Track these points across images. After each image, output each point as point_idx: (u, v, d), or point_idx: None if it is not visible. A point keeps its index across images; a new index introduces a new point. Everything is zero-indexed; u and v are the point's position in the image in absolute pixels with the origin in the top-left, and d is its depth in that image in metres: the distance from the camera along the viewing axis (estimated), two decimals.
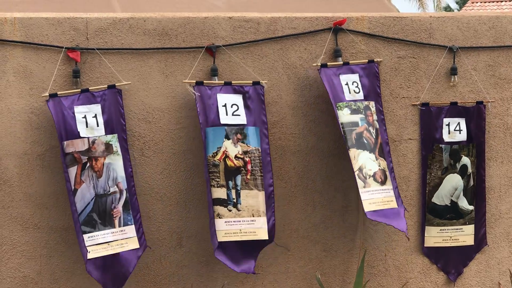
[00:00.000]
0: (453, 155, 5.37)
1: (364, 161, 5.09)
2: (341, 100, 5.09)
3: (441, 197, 5.39)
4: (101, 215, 4.77)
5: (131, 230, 4.85)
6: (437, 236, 5.42)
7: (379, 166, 5.14)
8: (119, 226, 4.82)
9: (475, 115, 5.39)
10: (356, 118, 5.13)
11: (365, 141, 5.13)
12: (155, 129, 4.99)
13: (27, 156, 4.83)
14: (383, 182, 5.14)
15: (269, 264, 5.22)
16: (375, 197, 5.10)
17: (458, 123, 5.36)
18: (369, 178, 5.10)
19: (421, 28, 5.32)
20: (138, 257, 4.87)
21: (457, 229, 5.44)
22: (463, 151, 5.39)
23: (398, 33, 5.30)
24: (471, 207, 5.43)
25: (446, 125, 5.35)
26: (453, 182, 5.39)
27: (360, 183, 5.06)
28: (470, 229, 5.45)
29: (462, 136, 5.38)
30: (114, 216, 4.81)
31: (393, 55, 5.30)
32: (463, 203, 5.41)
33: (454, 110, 5.36)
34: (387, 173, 5.17)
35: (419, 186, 5.40)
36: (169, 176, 5.04)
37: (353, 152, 5.07)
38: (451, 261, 5.48)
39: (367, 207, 5.05)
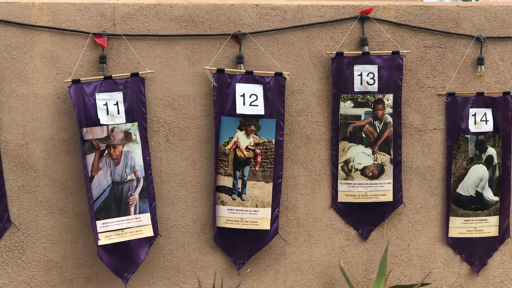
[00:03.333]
0: (479, 145, 5.34)
1: (355, 154, 5.16)
2: (347, 92, 5.11)
3: (466, 188, 5.36)
4: (117, 202, 4.81)
5: (146, 217, 4.89)
6: (462, 226, 5.40)
7: (375, 160, 5.16)
8: (135, 213, 4.85)
9: (501, 106, 5.35)
10: (360, 111, 5.14)
11: (363, 135, 5.15)
12: (181, 115, 5.00)
13: (53, 141, 4.86)
14: (374, 177, 5.17)
15: (292, 252, 5.22)
16: (356, 190, 5.18)
17: (484, 114, 5.33)
18: (354, 171, 5.16)
19: (448, 17, 5.29)
20: (150, 245, 4.92)
21: (482, 220, 5.41)
22: (489, 142, 5.35)
23: (424, 22, 5.27)
24: (496, 198, 5.40)
25: (472, 115, 5.32)
26: (478, 172, 5.36)
27: (342, 174, 5.14)
28: (494, 220, 5.43)
29: (488, 127, 5.35)
30: (130, 203, 4.84)
31: (419, 44, 5.27)
32: (488, 194, 5.38)
33: (480, 100, 5.33)
34: (387, 167, 5.18)
35: (443, 176, 5.37)
36: (193, 163, 5.05)
37: (343, 145, 5.14)
38: (475, 252, 5.46)
39: (342, 198, 5.19)
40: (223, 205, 4.99)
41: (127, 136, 4.83)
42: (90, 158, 4.75)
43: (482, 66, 5.32)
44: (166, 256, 5.07)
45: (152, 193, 4.92)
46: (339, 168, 5.16)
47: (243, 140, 4.98)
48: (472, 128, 5.34)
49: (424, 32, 5.27)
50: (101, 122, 4.76)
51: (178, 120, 5.00)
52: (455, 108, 5.31)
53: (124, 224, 4.83)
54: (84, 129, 4.72)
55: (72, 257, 4.95)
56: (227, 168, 4.97)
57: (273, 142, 5.03)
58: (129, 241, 4.85)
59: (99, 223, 4.76)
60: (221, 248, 5.06)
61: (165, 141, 5.00)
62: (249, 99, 4.97)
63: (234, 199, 5.00)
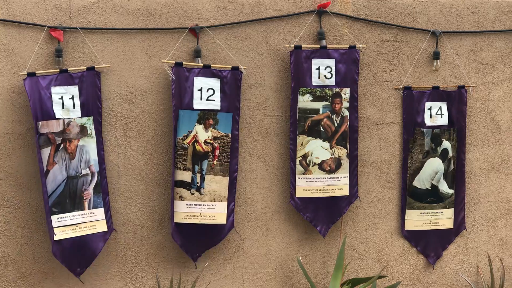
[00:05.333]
0: (434, 139, 5.39)
1: (313, 148, 5.17)
2: (305, 86, 5.12)
3: (422, 181, 5.41)
4: (72, 197, 4.78)
5: (100, 212, 4.87)
6: (417, 219, 5.45)
7: (332, 154, 5.19)
8: (89, 208, 4.83)
9: (456, 100, 5.41)
10: (318, 105, 5.16)
11: (321, 129, 5.17)
12: (138, 109, 4.97)
13: (8, 135, 4.79)
14: (331, 171, 5.19)
15: (250, 246, 5.23)
16: (314, 184, 5.20)
17: (440, 107, 5.39)
18: (312, 165, 5.17)
19: (405, 12, 5.33)
20: (105, 240, 4.90)
21: (437, 212, 5.47)
22: (444, 135, 5.41)
23: (381, 16, 5.30)
24: (451, 191, 5.46)
25: (428, 109, 5.37)
26: (433, 166, 5.42)
27: (299, 169, 5.14)
28: (449, 212, 5.49)
29: (444, 120, 5.40)
30: (84, 198, 4.81)
31: (376, 38, 5.30)
32: (444, 187, 5.44)
33: (436, 94, 5.38)
34: (343, 161, 5.21)
35: (400, 169, 5.42)
36: (151, 157, 5.02)
37: (301, 139, 5.15)
38: (431, 244, 5.51)
39: (300, 193, 5.18)
40: (181, 200, 4.97)
41: (83, 130, 4.79)
42: (46, 152, 4.71)
43: (438, 60, 5.38)
44: (124, 250, 5.04)
45: (106, 187, 4.89)
46: (297, 162, 5.17)
47: (202, 133, 4.97)
48: (428, 121, 5.39)
49: (381, 26, 5.30)
50: (57, 116, 4.71)
51: (136, 114, 4.97)
52: (411, 102, 5.36)
53: (79, 219, 4.80)
54: (40, 123, 4.67)
55: (28, 253, 4.90)
56: (185, 163, 4.96)
57: (230, 136, 5.02)
58: (83, 236, 4.81)
59: (54, 218, 4.72)
60: (179, 244, 5.03)
61: (122, 135, 4.96)
62: (206, 93, 4.96)
63: (192, 194, 4.99)
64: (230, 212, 5.07)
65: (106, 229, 4.88)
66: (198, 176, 4.99)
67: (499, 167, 5.58)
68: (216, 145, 5.00)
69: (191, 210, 5.00)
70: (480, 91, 5.49)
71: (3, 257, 4.87)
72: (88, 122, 4.80)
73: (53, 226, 4.72)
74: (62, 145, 4.73)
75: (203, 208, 5.01)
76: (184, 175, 4.96)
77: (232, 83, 5.00)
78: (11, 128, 4.78)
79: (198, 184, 4.99)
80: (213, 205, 5.02)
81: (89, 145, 4.81)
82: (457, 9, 5.41)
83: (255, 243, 5.24)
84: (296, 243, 5.31)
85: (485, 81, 5.50)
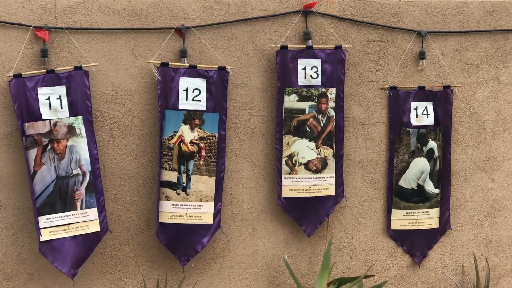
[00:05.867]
0: (420, 139, 5.41)
1: (299, 148, 5.17)
2: (291, 86, 5.12)
3: (407, 181, 5.43)
4: (63, 197, 4.76)
5: (93, 212, 4.84)
6: (403, 219, 5.47)
7: (318, 154, 5.20)
8: (81, 208, 4.81)
9: (442, 100, 5.43)
10: (304, 105, 5.16)
11: (307, 129, 5.18)
12: (124, 110, 4.96)
13: None
14: (318, 171, 5.20)
15: (236, 246, 5.23)
16: (300, 184, 5.21)
17: (426, 107, 5.40)
18: (298, 165, 5.18)
19: (390, 12, 5.34)
20: (99, 240, 4.88)
21: (423, 212, 5.48)
22: (430, 135, 5.43)
23: (367, 16, 5.31)
24: (437, 191, 5.48)
25: (414, 109, 5.39)
26: (419, 165, 5.43)
27: (286, 169, 5.15)
28: (435, 212, 5.51)
29: (429, 120, 5.42)
30: (76, 198, 4.79)
31: (362, 38, 5.31)
32: (429, 187, 5.46)
33: (422, 94, 5.39)
34: (329, 161, 5.22)
35: (386, 169, 5.43)
36: (137, 157, 5.01)
37: (287, 139, 5.16)
38: (417, 243, 5.53)
39: (286, 193, 5.18)
40: (167, 200, 4.96)
41: (71, 130, 4.77)
42: (33, 153, 4.69)
43: (424, 60, 5.39)
44: (110, 251, 5.03)
45: (100, 187, 4.86)
46: (283, 162, 5.17)
47: (188, 134, 4.96)
48: (414, 121, 5.40)
49: (366, 27, 5.32)
50: (43, 117, 4.70)
51: (122, 114, 4.96)
52: (397, 102, 5.37)
53: (70, 219, 4.78)
54: (26, 124, 4.65)
55: (13, 254, 4.88)
56: (171, 163, 4.95)
57: (216, 136, 5.02)
58: (75, 236, 4.79)
59: (42, 219, 4.71)
60: (165, 245, 5.02)
61: (108, 136, 4.95)
62: (192, 93, 4.95)
63: (178, 194, 4.98)
64: (217, 212, 5.06)
65: (99, 229, 4.86)
66: (184, 176, 4.98)
67: (484, 166, 5.60)
68: (202, 145, 4.99)
69: (177, 210, 4.99)
70: (465, 91, 5.51)
71: None
72: (77, 122, 4.78)
73: (41, 227, 4.70)
74: (49, 146, 4.72)
75: (189, 209, 5.00)
76: (170, 175, 4.96)
77: (218, 83, 5.00)
78: None
79: (184, 185, 4.98)
80: (199, 205, 5.02)
81: (79, 144, 4.79)
82: (443, 9, 5.43)
83: (242, 243, 5.24)
84: (283, 243, 5.31)
85: (471, 81, 5.52)
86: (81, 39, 4.85)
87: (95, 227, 4.86)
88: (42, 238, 4.70)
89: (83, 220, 4.82)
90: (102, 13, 4.88)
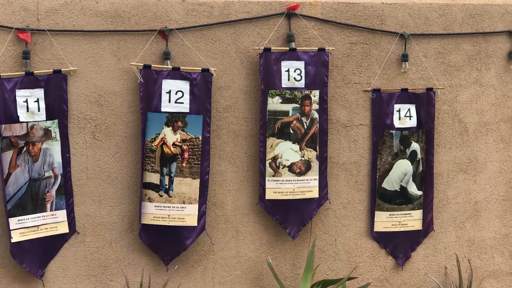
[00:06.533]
0: (403, 141, 5.42)
1: (283, 151, 5.17)
2: (275, 88, 5.12)
3: (391, 183, 5.44)
4: (34, 199, 4.77)
5: (62, 214, 4.87)
6: (387, 221, 5.48)
7: (302, 157, 5.20)
8: (51, 210, 4.83)
9: (425, 102, 5.44)
10: (287, 107, 5.17)
11: (291, 131, 5.18)
12: (107, 112, 4.95)
13: None
14: (301, 173, 5.21)
15: (220, 248, 5.22)
16: (284, 186, 5.21)
17: (409, 109, 5.42)
18: (282, 168, 5.19)
19: (373, 14, 5.36)
20: (65, 241, 4.91)
21: (406, 214, 5.50)
22: (413, 137, 5.44)
23: (350, 19, 5.32)
24: (420, 193, 5.50)
25: (397, 111, 5.40)
26: (402, 167, 5.45)
27: (269, 171, 5.15)
28: (418, 214, 5.52)
29: (412, 122, 5.43)
30: (47, 200, 4.81)
31: (345, 41, 5.32)
32: (412, 189, 5.47)
33: (405, 96, 5.41)
34: (313, 163, 5.22)
35: (369, 171, 5.44)
36: (120, 160, 5.00)
37: (271, 141, 5.16)
38: (400, 245, 5.54)
39: (270, 195, 5.18)
40: (150, 201, 4.96)
41: (47, 133, 4.76)
42: (8, 155, 4.68)
43: (407, 62, 5.41)
44: (93, 253, 5.01)
45: (70, 189, 4.87)
46: (267, 164, 5.17)
47: (170, 136, 4.95)
48: (397, 123, 5.42)
49: (350, 29, 5.32)
50: (21, 120, 4.69)
51: (105, 117, 4.95)
52: (381, 104, 5.39)
53: (40, 221, 4.79)
54: (3, 126, 4.64)
55: None
56: (154, 165, 4.94)
57: (200, 139, 5.01)
58: (42, 238, 4.79)
59: (13, 220, 4.71)
60: (147, 245, 5.02)
61: (91, 138, 4.93)
62: (175, 96, 4.94)
63: (161, 196, 4.97)
64: (202, 215, 5.06)
65: (67, 231, 4.88)
66: (167, 178, 4.97)
67: (466, 168, 5.62)
68: (185, 147, 4.99)
69: (160, 212, 4.98)
70: (448, 93, 5.54)
71: None
72: (53, 125, 4.77)
73: (11, 228, 4.70)
74: (25, 148, 4.71)
75: (172, 210, 4.99)
76: (153, 177, 4.95)
77: (202, 85, 4.99)
78: None
79: (167, 186, 4.97)
80: (182, 207, 5.01)
81: (53, 148, 4.79)
82: (425, 12, 5.45)
83: (225, 245, 5.24)
84: (266, 245, 5.31)
85: (453, 83, 5.54)
86: (63, 41, 4.83)
87: (63, 229, 4.88)
88: (13, 240, 4.70)
89: (52, 222, 4.83)
90: (85, 15, 4.86)
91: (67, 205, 4.87)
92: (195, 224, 5.05)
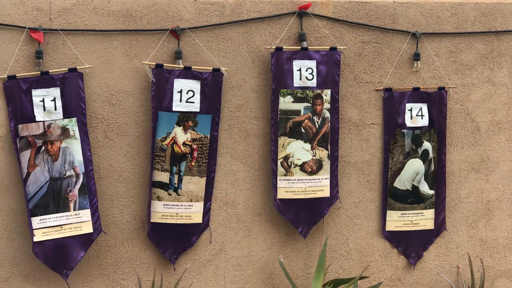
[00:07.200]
0: (415, 140, 5.41)
1: (294, 150, 5.17)
2: (286, 87, 5.12)
3: (402, 182, 5.43)
4: (56, 198, 4.77)
5: (86, 214, 4.85)
6: (398, 220, 5.47)
7: (314, 156, 5.20)
8: (74, 209, 4.81)
9: (436, 101, 5.43)
10: (299, 106, 5.16)
11: (303, 130, 5.18)
12: (119, 111, 4.96)
13: None
14: (313, 172, 5.21)
15: (231, 247, 5.22)
16: (295, 186, 5.21)
17: (420, 109, 5.41)
18: (294, 167, 5.18)
19: (385, 13, 5.35)
20: (92, 241, 4.89)
21: (418, 213, 5.49)
22: (425, 136, 5.43)
23: (362, 18, 5.32)
24: (432, 192, 5.48)
25: (409, 110, 5.39)
26: (414, 166, 5.44)
27: (281, 170, 5.14)
28: (430, 213, 5.51)
29: (424, 121, 5.42)
30: (70, 199, 4.79)
31: (357, 40, 5.32)
32: (424, 188, 5.46)
33: (417, 95, 5.40)
34: (325, 162, 5.22)
35: (381, 170, 5.43)
36: (132, 159, 5.01)
37: (282, 140, 5.16)
38: (412, 245, 5.53)
39: (281, 194, 5.18)
40: (159, 200, 4.97)
41: (65, 132, 4.77)
42: (26, 154, 4.69)
43: (418, 61, 5.40)
44: (105, 252, 5.02)
45: (93, 189, 4.87)
46: (279, 164, 5.17)
47: (181, 135, 4.96)
48: (409, 122, 5.41)
49: (361, 28, 5.32)
50: (37, 119, 4.70)
51: (117, 116, 4.96)
52: (392, 103, 5.38)
53: (63, 220, 4.79)
54: (20, 126, 4.66)
55: (8, 255, 4.87)
56: (164, 164, 4.95)
57: (209, 138, 5.02)
58: (68, 237, 4.80)
59: (35, 220, 4.71)
60: (155, 244, 5.03)
61: (103, 137, 4.95)
62: (186, 95, 4.95)
63: (170, 194, 4.99)
64: (206, 211, 5.08)
65: (91, 231, 4.87)
66: (176, 177, 4.99)
67: (479, 167, 5.61)
68: (194, 146, 5.00)
69: (168, 210, 5.00)
70: (460, 92, 5.52)
71: None
72: (71, 124, 4.78)
73: (34, 228, 4.70)
74: (43, 147, 4.72)
75: (180, 208, 5.01)
76: (162, 176, 4.96)
77: (213, 85, 5.00)
78: None
79: (176, 185, 4.99)
80: (189, 205, 5.03)
81: (73, 146, 4.80)
82: (437, 10, 5.44)
83: (237, 244, 5.24)
84: (278, 244, 5.31)
85: (465, 82, 5.53)
86: (76, 41, 4.84)
87: (88, 229, 4.86)
88: (35, 239, 4.70)
89: (76, 222, 4.83)
90: (97, 15, 4.87)
91: (91, 205, 4.86)
92: (200, 221, 5.07)
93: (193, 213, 5.05)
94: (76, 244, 4.83)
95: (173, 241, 5.07)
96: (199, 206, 5.06)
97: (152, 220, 4.98)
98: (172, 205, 5.01)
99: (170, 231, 5.03)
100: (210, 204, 5.09)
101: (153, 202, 4.97)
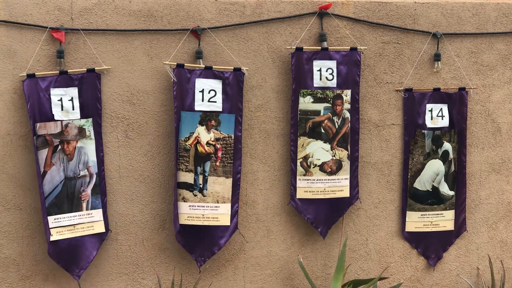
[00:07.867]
0: (435, 140, 5.40)
1: (314, 150, 5.17)
2: (307, 87, 5.12)
3: (422, 183, 5.42)
4: (69, 198, 4.80)
5: (98, 213, 4.88)
6: (418, 221, 5.46)
7: (333, 156, 5.20)
8: (87, 209, 4.84)
9: (457, 101, 5.42)
10: (319, 107, 5.16)
11: (322, 131, 5.18)
12: (139, 111, 4.97)
13: (9, 136, 4.79)
14: (332, 172, 5.20)
15: (251, 247, 5.23)
16: (315, 186, 5.20)
17: (441, 109, 5.39)
18: (313, 167, 5.18)
19: (406, 13, 5.34)
20: (102, 241, 4.92)
21: (438, 214, 5.47)
22: (445, 137, 5.42)
23: (382, 18, 5.31)
24: (452, 193, 5.47)
25: (429, 110, 5.38)
26: (434, 167, 5.42)
27: (300, 170, 5.14)
28: (450, 214, 5.49)
29: (444, 122, 5.41)
30: (83, 199, 4.82)
31: (377, 40, 5.31)
32: (444, 189, 5.45)
33: (437, 96, 5.38)
34: (344, 163, 5.22)
35: (401, 171, 5.42)
36: (152, 158, 5.02)
37: (302, 140, 5.15)
38: (431, 246, 5.52)
39: (300, 194, 5.18)
40: (184, 201, 4.97)
41: (81, 132, 4.80)
42: (43, 153, 4.71)
43: (439, 62, 5.38)
44: (125, 252, 5.04)
45: (104, 189, 4.90)
46: (298, 164, 5.17)
47: (204, 135, 4.97)
48: (429, 123, 5.39)
49: (382, 28, 5.31)
50: (55, 118, 4.72)
51: (137, 116, 4.97)
52: (412, 104, 5.36)
53: (76, 220, 4.81)
54: (38, 124, 4.68)
55: (29, 254, 4.89)
56: (188, 164, 4.96)
57: (233, 137, 5.02)
58: (79, 237, 4.82)
59: (50, 219, 4.73)
60: (183, 246, 5.03)
61: (124, 137, 4.96)
62: (208, 94, 4.96)
63: (195, 195, 4.99)
64: (234, 214, 5.07)
65: (104, 230, 4.89)
66: (201, 177, 4.99)
67: (499, 168, 5.58)
68: (218, 146, 5.00)
69: (194, 212, 5.00)
70: (480, 93, 5.50)
71: (4, 258, 4.86)
72: (87, 124, 4.80)
73: (50, 226, 4.73)
74: (60, 147, 4.74)
75: (206, 210, 5.01)
76: (187, 177, 4.96)
77: (234, 84, 5.01)
78: (13, 130, 4.78)
79: (201, 186, 4.99)
80: (216, 207, 5.03)
81: (88, 146, 4.82)
82: (458, 11, 5.42)
83: (256, 244, 5.24)
84: (297, 244, 5.31)
85: (486, 83, 5.50)
86: (97, 40, 4.86)
87: (100, 228, 4.89)
88: (52, 238, 4.72)
89: (88, 221, 4.85)
90: (118, 15, 4.89)
91: (102, 204, 4.89)
92: (228, 223, 5.06)
93: (220, 215, 5.04)
94: (88, 244, 4.85)
95: (201, 243, 5.05)
96: (226, 208, 5.05)
97: (179, 222, 4.97)
98: (198, 206, 5.00)
99: (197, 233, 5.02)
100: (237, 206, 5.08)
101: (179, 203, 4.98)
